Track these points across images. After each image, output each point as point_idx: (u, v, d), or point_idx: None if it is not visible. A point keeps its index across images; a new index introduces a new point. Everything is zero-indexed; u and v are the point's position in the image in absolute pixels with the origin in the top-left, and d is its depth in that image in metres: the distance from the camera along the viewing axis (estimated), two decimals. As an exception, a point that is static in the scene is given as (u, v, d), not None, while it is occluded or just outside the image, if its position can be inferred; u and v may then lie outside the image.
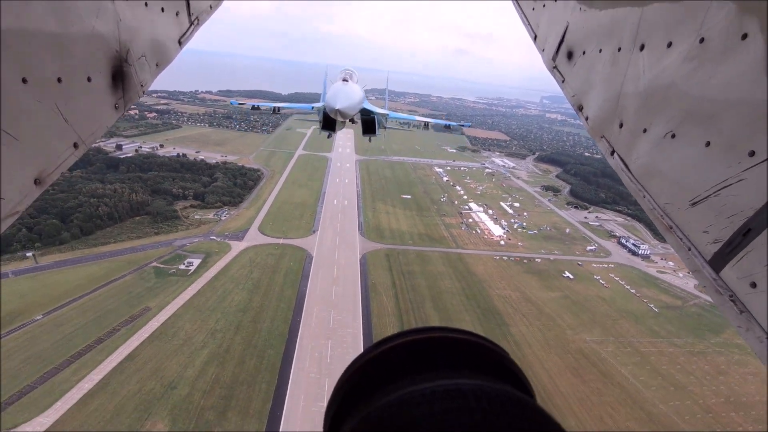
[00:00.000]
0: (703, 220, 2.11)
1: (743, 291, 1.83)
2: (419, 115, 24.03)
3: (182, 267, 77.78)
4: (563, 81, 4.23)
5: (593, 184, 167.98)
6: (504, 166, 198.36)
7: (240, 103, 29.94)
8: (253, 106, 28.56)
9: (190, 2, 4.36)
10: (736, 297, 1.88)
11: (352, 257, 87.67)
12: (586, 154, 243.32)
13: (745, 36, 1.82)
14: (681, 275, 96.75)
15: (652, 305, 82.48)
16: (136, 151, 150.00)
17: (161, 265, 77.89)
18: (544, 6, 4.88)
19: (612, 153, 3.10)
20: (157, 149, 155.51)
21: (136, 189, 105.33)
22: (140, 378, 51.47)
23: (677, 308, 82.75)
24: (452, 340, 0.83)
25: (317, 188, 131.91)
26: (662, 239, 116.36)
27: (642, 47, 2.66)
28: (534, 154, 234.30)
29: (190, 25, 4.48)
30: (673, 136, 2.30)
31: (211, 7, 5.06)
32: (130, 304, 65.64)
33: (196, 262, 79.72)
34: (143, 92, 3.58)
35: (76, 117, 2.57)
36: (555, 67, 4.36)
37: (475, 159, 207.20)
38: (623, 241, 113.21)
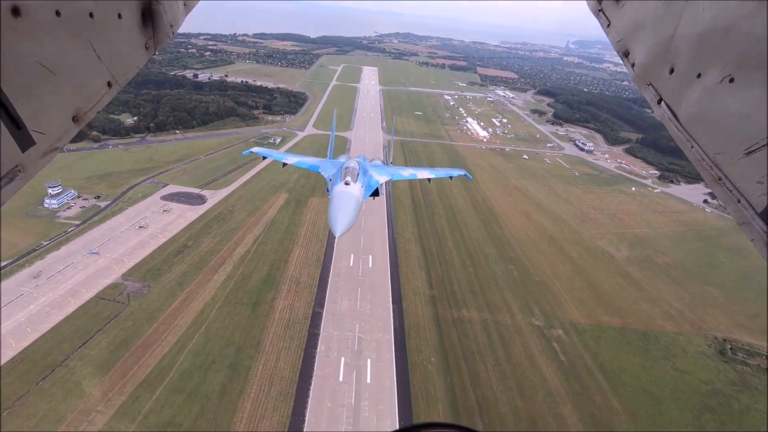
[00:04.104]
0: (757, 170, 2.00)
1: None
2: (423, 169, 27.52)
3: (270, 141, 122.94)
4: (608, 25, 3.95)
5: (575, 109, 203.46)
6: (505, 96, 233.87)
7: (251, 152, 29.78)
8: (264, 156, 29.12)
9: None
10: None
11: (377, 142, 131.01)
12: (584, 89, 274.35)
13: None
14: (609, 161, 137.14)
15: (576, 173, 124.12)
16: (209, 78, 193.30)
17: (257, 140, 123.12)
18: None
19: (659, 101, 2.88)
20: (224, 77, 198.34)
21: (225, 99, 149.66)
22: (266, 180, 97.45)
23: (593, 175, 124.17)
24: None
25: (350, 106, 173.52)
26: (612, 143, 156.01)
27: None
28: (535, 88, 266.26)
29: None
30: (732, 80, 2.11)
31: None
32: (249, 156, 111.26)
33: (278, 140, 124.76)
34: (173, 33, 3.61)
35: (109, 55, 2.63)
36: (600, 10, 4.10)
37: (481, 91, 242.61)
38: (577, 142, 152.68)
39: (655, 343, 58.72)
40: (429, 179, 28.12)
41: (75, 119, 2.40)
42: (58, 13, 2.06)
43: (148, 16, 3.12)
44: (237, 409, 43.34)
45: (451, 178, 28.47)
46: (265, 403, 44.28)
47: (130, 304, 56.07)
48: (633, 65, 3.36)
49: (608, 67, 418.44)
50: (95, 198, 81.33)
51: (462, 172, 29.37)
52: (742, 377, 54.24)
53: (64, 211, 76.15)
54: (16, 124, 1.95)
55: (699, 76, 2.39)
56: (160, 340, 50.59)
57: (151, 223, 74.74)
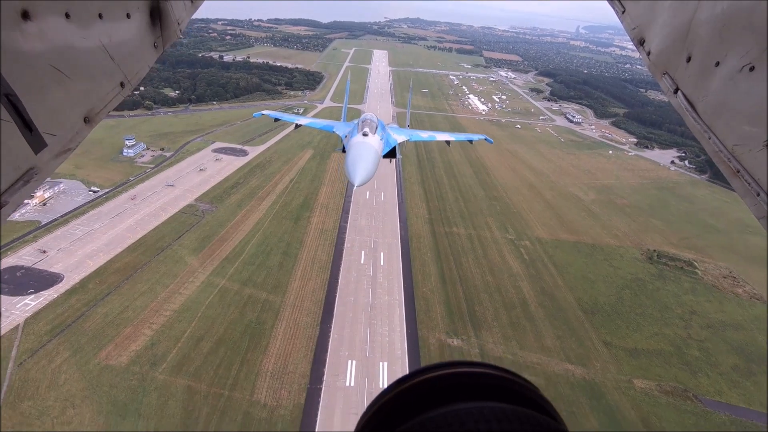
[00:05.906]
0: None
1: None
2: (443, 132, 27.89)
3: (295, 111, 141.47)
4: (623, 12, 3.86)
5: (571, 88, 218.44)
6: (507, 77, 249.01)
7: (262, 114, 29.16)
8: (275, 118, 28.76)
9: None
10: None
11: (388, 111, 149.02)
12: (585, 71, 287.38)
13: None
14: (594, 131, 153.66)
15: (562, 140, 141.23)
16: (233, 59, 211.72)
17: (283, 111, 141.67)
18: None
19: (675, 91, 2.80)
20: (247, 58, 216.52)
21: (251, 77, 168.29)
22: (295, 140, 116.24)
23: (577, 142, 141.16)
24: (489, 376, 0.88)
25: (363, 84, 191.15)
26: (600, 117, 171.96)
27: None
28: (537, 70, 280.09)
29: None
30: (752, 68, 2.03)
31: None
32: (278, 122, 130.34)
33: (301, 110, 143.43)
34: (180, 31, 3.65)
35: (121, 55, 2.66)
36: None
37: (484, 72, 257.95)
38: (567, 115, 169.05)
39: (600, 252, 77.10)
40: (448, 142, 27.42)
41: (87, 120, 2.43)
42: (67, 15, 2.06)
43: (156, 15, 3.21)
44: (291, 275, 62.82)
45: (471, 142, 28.28)
46: (310, 272, 63.74)
47: (204, 216, 75.77)
48: (648, 53, 3.28)
49: (613, 51, 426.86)
50: (161, 150, 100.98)
51: (483, 137, 28.81)
52: (660, 272, 72.55)
53: (139, 158, 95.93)
54: (28, 127, 1.94)
55: (717, 64, 2.32)
56: (232, 238, 70.21)
57: (208, 168, 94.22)
